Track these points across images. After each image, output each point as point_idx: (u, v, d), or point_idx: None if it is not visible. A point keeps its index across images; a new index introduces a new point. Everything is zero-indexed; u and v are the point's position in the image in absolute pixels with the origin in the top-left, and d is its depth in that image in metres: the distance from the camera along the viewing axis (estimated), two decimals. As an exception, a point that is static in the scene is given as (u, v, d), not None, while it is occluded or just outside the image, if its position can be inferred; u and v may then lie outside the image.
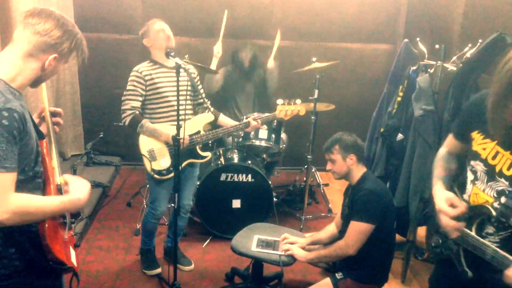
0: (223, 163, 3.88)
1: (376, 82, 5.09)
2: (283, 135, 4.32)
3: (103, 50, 4.82)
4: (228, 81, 4.49)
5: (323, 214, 4.47)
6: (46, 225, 1.63)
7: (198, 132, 3.27)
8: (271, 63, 4.51)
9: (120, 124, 3.24)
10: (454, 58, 3.32)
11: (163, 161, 3.17)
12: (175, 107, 3.12)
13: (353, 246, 2.61)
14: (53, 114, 1.95)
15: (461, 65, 3.15)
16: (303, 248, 2.89)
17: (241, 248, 2.92)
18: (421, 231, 3.97)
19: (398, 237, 3.14)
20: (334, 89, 5.11)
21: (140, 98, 3.12)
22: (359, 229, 2.60)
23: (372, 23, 5.16)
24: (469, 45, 3.23)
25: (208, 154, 3.37)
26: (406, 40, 3.70)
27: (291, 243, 2.91)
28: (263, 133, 4.02)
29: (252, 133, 4.00)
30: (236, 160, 3.97)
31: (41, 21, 1.63)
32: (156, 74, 3.14)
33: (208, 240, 3.89)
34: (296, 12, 5.05)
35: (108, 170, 4.95)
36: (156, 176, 3.16)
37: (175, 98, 3.10)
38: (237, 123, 3.46)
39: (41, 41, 1.62)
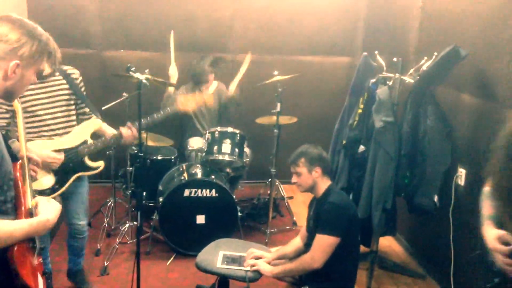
0: (187, 178, 3.83)
1: (337, 94, 5.16)
2: (247, 149, 4.32)
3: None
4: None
5: (288, 227, 4.47)
6: (15, 249, 1.55)
7: (85, 141, 2.91)
8: (232, 88, 4.53)
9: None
10: (411, 70, 3.41)
11: (45, 180, 2.80)
12: (47, 122, 2.80)
13: (319, 260, 2.61)
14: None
15: (418, 77, 3.24)
16: (269, 263, 2.87)
17: (206, 265, 2.87)
18: (384, 241, 4.04)
19: (361, 247, 3.16)
20: (296, 102, 5.16)
21: (7, 115, 2.67)
22: (324, 242, 2.60)
23: (331, 37, 5.25)
24: (425, 57, 3.32)
25: (100, 164, 2.99)
26: (365, 53, 3.77)
27: (257, 258, 2.88)
28: (227, 147, 4.00)
29: (216, 147, 3.97)
30: (199, 175, 3.92)
31: None
32: None
33: (172, 258, 3.81)
34: (257, 26, 5.09)
35: (67, 188, 4.80)
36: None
37: (46, 111, 2.79)
38: (114, 132, 3.03)
39: None
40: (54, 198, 2.79)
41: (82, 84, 2.99)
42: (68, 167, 2.83)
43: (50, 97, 2.80)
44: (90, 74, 4.75)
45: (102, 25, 4.85)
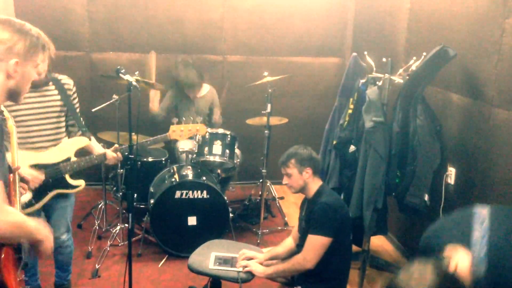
0: (178, 180, 3.82)
1: (327, 95, 5.19)
2: (237, 150, 4.32)
3: (49, 68, 4.68)
4: (176, 100, 4.47)
5: (279, 228, 4.47)
6: (3, 256, 1.54)
7: (68, 159, 2.82)
8: (204, 91, 4.56)
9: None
10: (401, 70, 3.43)
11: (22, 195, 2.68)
12: (35, 133, 2.75)
13: (311, 260, 2.62)
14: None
15: (407, 77, 3.26)
16: (261, 264, 2.87)
17: (198, 266, 2.87)
18: (375, 240, 4.06)
19: (353, 247, 3.17)
20: (287, 102, 5.17)
21: None
22: (316, 243, 2.61)
23: (321, 37, 5.27)
24: (414, 58, 3.35)
25: (80, 183, 2.91)
26: (354, 53, 3.79)
27: (249, 259, 2.89)
28: (217, 148, 4.00)
29: (206, 148, 3.97)
30: (190, 176, 3.91)
31: None
32: None
33: (164, 260, 3.80)
34: (246, 27, 5.09)
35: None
36: None
37: (34, 122, 2.74)
38: (101, 151, 2.98)
39: None
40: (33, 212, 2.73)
41: (75, 96, 2.95)
42: (48, 183, 2.71)
43: (41, 107, 2.76)
44: (79, 76, 4.73)
45: (90, 27, 4.82)
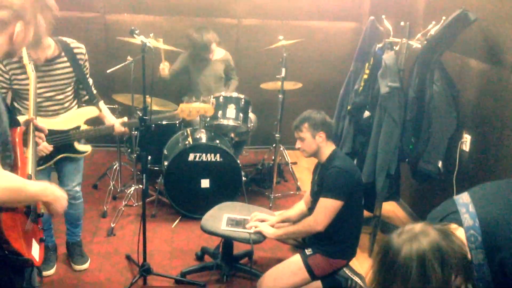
0: (191, 143, 3.84)
1: (342, 60, 5.11)
2: (251, 115, 4.31)
3: (64, 29, 4.63)
4: (189, 64, 4.45)
5: (291, 192, 4.50)
6: (2, 212, 1.52)
7: (78, 127, 2.90)
8: (219, 55, 4.53)
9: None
10: (419, 35, 3.36)
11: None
12: (44, 103, 2.79)
13: (321, 222, 2.64)
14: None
15: (425, 42, 3.19)
16: (273, 226, 2.90)
17: (211, 227, 2.92)
18: (387, 206, 4.07)
19: (365, 212, 3.19)
20: (301, 67, 5.12)
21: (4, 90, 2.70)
22: (328, 206, 2.63)
23: (338, 1, 5.16)
24: (433, 22, 3.27)
25: (87, 149, 3.00)
26: (372, 17, 3.71)
27: (261, 221, 2.92)
28: (231, 112, 4.00)
29: (220, 112, 3.97)
30: (204, 140, 3.93)
31: None
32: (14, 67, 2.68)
33: (177, 221, 3.87)
34: (262, -10, 5.00)
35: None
36: None
37: (45, 94, 2.77)
38: (110, 123, 3.02)
39: None
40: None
41: (87, 63, 2.96)
42: (56, 148, 2.78)
43: (52, 80, 2.79)
44: (93, 37, 4.73)
45: (105, -13, 4.78)
